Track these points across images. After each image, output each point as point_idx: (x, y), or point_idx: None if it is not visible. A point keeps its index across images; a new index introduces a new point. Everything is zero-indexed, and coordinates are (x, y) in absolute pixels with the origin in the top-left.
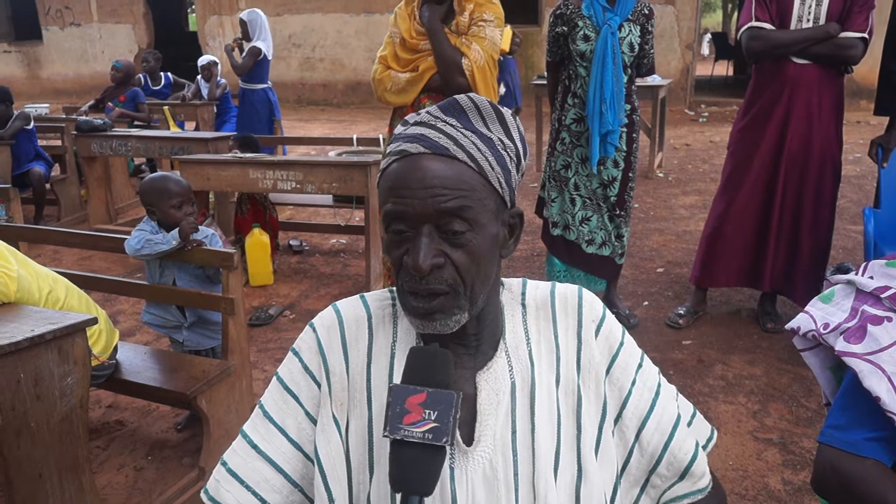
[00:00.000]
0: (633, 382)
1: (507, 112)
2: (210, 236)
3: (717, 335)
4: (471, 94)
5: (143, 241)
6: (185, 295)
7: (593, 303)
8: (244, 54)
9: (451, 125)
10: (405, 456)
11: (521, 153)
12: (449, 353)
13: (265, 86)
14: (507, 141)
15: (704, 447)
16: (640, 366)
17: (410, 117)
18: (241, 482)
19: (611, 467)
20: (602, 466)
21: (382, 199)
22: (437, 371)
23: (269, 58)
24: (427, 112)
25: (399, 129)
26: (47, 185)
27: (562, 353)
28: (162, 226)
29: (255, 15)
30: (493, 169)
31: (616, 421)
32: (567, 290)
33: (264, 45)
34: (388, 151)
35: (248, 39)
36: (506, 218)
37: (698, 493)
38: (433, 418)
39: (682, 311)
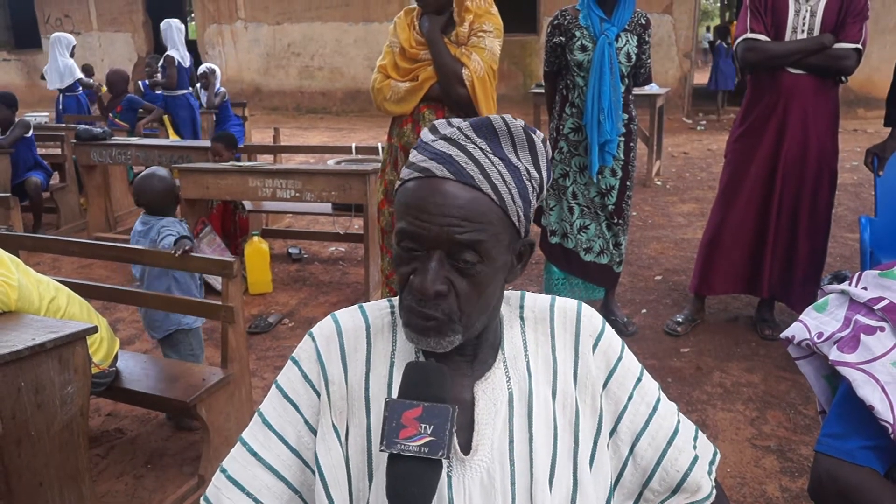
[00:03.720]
0: (630, 397)
1: (538, 139)
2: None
3: (715, 343)
4: (506, 117)
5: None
6: (181, 302)
7: (592, 317)
8: (160, 64)
9: (481, 148)
10: (402, 470)
11: (545, 182)
12: (445, 367)
13: (185, 91)
14: (533, 171)
15: (709, 471)
16: (638, 380)
17: (441, 126)
18: (242, 489)
19: (605, 481)
20: (596, 479)
21: (398, 214)
22: (432, 385)
23: (186, 65)
24: (459, 129)
25: (427, 136)
26: (47, 194)
27: (559, 366)
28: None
29: (166, 25)
30: (514, 203)
31: (611, 434)
32: (566, 305)
33: (177, 53)
34: (412, 161)
35: (166, 49)
36: (517, 247)
37: None
38: (429, 432)
39: (680, 319)
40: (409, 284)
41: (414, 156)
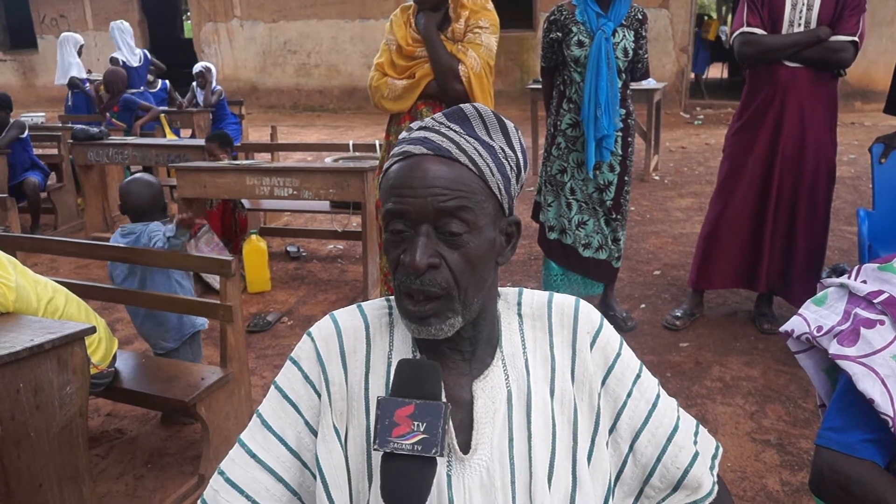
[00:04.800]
0: (630, 394)
1: (510, 123)
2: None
3: (714, 337)
4: (476, 104)
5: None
6: (181, 302)
7: (590, 314)
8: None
9: (455, 131)
10: (396, 469)
11: (522, 164)
12: (437, 364)
13: (134, 91)
14: (507, 150)
15: (711, 466)
16: (637, 377)
17: (415, 123)
18: (241, 492)
19: (603, 478)
20: (595, 477)
21: (383, 199)
22: (425, 383)
23: (132, 64)
24: (432, 118)
25: (404, 134)
26: (44, 194)
27: (557, 364)
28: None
29: (112, 27)
30: (493, 174)
31: (611, 431)
32: (564, 301)
33: (120, 54)
34: (392, 153)
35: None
36: (503, 225)
37: (694, 503)
38: (422, 430)
39: (678, 314)
40: (401, 264)
41: (394, 150)
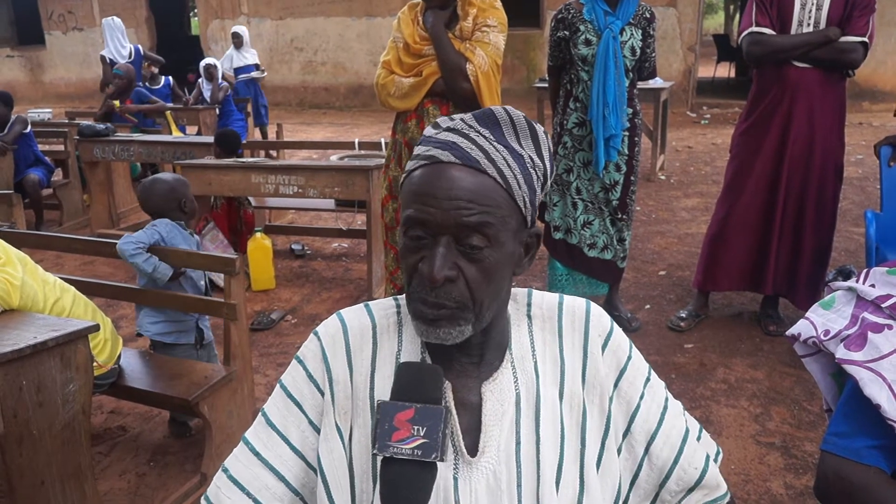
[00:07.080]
0: (642, 396)
1: (539, 129)
2: (196, 243)
3: (718, 338)
4: (507, 108)
5: (145, 257)
6: (185, 300)
7: (601, 317)
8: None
9: (485, 136)
10: (395, 473)
11: (548, 172)
12: (439, 368)
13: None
14: (536, 160)
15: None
16: (647, 380)
17: (442, 121)
18: (243, 489)
19: (612, 482)
20: (603, 481)
21: (405, 203)
22: (426, 386)
23: (119, 61)
24: (461, 119)
25: (430, 131)
26: (49, 191)
27: (567, 366)
28: (189, 217)
29: (103, 23)
30: (520, 187)
31: (625, 435)
32: (575, 304)
33: (107, 51)
34: (416, 154)
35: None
36: (524, 237)
37: (713, 501)
38: (422, 434)
39: (683, 315)
40: (418, 273)
41: (418, 149)
